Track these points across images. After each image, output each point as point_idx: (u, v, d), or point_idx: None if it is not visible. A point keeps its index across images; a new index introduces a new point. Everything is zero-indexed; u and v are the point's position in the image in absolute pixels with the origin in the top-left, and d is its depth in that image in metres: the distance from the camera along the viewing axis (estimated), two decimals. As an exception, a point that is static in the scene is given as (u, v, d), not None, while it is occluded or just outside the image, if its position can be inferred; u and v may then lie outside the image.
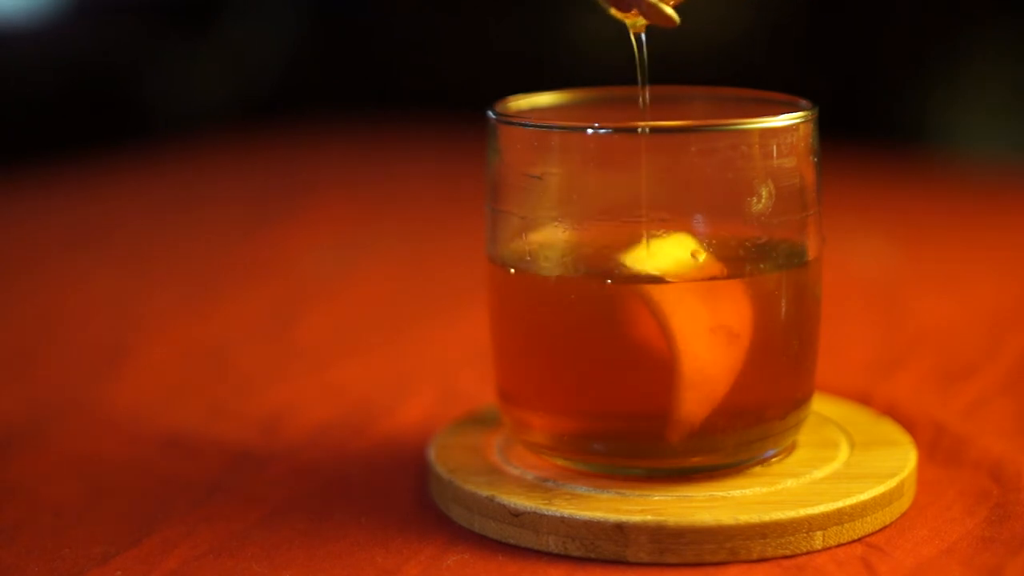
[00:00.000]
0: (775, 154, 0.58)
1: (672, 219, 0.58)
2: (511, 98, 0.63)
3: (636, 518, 0.55)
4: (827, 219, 0.62)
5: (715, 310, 0.58)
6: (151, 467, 0.67)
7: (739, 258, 0.58)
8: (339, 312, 0.94)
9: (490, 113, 0.61)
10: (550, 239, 0.59)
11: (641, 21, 0.60)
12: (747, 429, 0.59)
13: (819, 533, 0.56)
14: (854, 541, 0.57)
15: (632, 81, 0.61)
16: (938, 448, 0.66)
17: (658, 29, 0.59)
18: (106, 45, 1.82)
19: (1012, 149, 1.69)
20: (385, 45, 1.92)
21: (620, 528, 0.55)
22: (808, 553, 0.56)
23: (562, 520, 0.56)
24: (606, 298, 0.58)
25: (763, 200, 0.58)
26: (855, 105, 1.74)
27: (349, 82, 1.86)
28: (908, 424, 0.67)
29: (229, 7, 1.92)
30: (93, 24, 1.84)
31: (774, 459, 0.60)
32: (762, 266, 0.58)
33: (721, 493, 0.57)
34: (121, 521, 0.61)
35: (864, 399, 0.71)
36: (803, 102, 0.60)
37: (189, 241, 1.15)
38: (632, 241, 0.58)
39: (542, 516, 0.56)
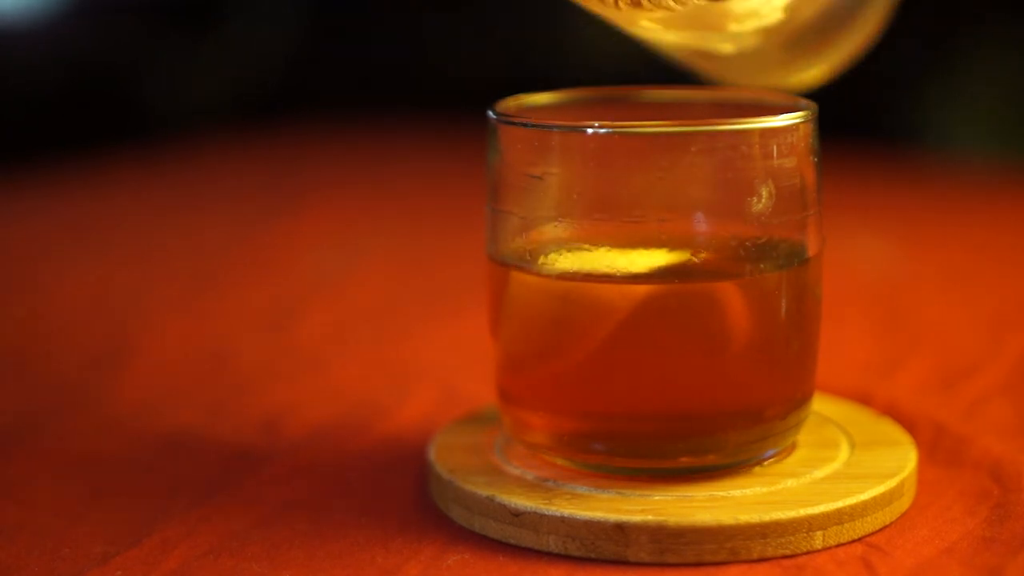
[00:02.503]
0: (775, 154, 0.58)
1: (672, 219, 0.58)
2: (511, 98, 0.63)
3: (636, 518, 0.55)
4: (827, 219, 0.62)
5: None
6: (151, 467, 0.67)
7: (739, 258, 0.58)
8: (339, 312, 0.94)
9: (490, 113, 0.61)
10: (550, 239, 0.59)
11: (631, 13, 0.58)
12: (747, 429, 0.59)
13: (819, 533, 0.56)
14: (854, 541, 0.57)
15: (633, 82, 0.61)
16: (938, 448, 0.66)
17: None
18: (106, 45, 1.82)
19: (1012, 150, 1.69)
20: (385, 45, 1.92)
21: (620, 528, 0.55)
22: (808, 553, 0.56)
23: (562, 520, 0.56)
24: (606, 298, 0.58)
25: (763, 200, 0.58)
26: (855, 105, 1.74)
27: (349, 82, 1.86)
28: (908, 424, 0.67)
29: (229, 7, 1.91)
30: (93, 24, 1.83)
31: (774, 459, 0.60)
32: (762, 266, 0.58)
33: (721, 493, 0.57)
34: (121, 521, 0.61)
35: (864, 399, 0.71)
36: (803, 102, 0.60)
37: (189, 241, 1.15)
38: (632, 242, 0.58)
39: (542, 516, 0.56)
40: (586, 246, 0.58)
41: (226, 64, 1.89)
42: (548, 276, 0.59)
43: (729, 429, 0.58)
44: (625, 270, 0.58)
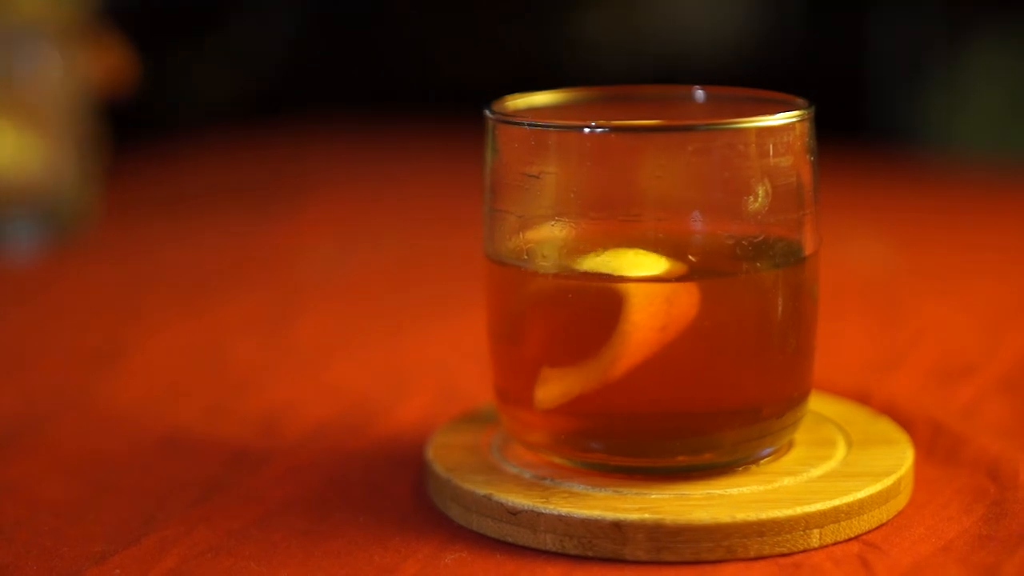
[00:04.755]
0: (772, 153, 0.58)
1: (668, 218, 0.58)
2: (509, 97, 0.63)
3: (634, 516, 0.55)
4: (825, 218, 0.62)
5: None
6: (149, 466, 0.67)
7: (736, 256, 0.58)
8: (337, 311, 0.94)
9: (488, 112, 0.61)
10: (547, 238, 0.59)
11: None
12: (744, 427, 0.59)
13: (816, 531, 0.56)
14: (851, 539, 0.57)
15: (630, 81, 0.61)
16: (936, 447, 0.66)
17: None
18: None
19: (1010, 150, 1.69)
20: (385, 45, 1.92)
21: (618, 526, 0.55)
22: (805, 551, 0.56)
23: (559, 518, 0.56)
24: (603, 296, 0.58)
25: (760, 199, 0.58)
26: (854, 105, 1.74)
27: (349, 82, 1.87)
28: (906, 423, 0.67)
29: (229, 7, 1.92)
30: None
31: (771, 457, 0.60)
32: (758, 265, 0.58)
33: (718, 491, 0.57)
34: (119, 520, 0.61)
35: (862, 398, 0.71)
36: (799, 101, 0.60)
37: (188, 240, 1.15)
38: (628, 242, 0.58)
39: (539, 514, 0.56)
40: (583, 245, 0.58)
41: (227, 64, 1.89)
42: (545, 275, 0.59)
43: (726, 427, 0.58)
44: (622, 269, 0.58)
